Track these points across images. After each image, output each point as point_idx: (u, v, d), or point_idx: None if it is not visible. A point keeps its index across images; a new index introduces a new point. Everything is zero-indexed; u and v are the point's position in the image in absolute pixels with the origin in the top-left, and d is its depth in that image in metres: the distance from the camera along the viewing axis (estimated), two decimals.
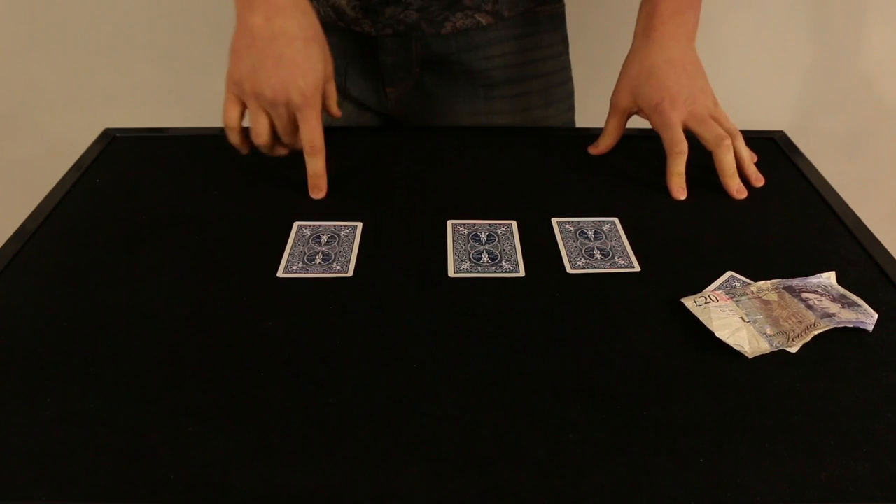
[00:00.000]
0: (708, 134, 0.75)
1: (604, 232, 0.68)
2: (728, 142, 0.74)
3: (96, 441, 0.48)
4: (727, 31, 1.38)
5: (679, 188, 0.75)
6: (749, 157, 0.77)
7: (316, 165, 0.72)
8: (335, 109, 0.76)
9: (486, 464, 0.46)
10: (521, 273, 0.63)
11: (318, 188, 0.73)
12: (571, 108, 0.96)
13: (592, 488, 0.45)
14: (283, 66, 0.67)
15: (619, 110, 0.80)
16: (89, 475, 0.45)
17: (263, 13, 0.67)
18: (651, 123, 0.77)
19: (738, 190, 0.74)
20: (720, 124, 0.76)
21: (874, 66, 1.42)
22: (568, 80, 0.94)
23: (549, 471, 0.46)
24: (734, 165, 0.75)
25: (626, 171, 0.79)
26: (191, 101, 1.46)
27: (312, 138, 0.70)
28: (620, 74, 0.80)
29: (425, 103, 0.88)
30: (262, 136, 0.71)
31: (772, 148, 0.84)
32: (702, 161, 0.76)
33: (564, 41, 0.92)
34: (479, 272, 0.63)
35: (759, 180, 0.76)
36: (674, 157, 0.75)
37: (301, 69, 0.67)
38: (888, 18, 1.36)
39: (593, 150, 0.82)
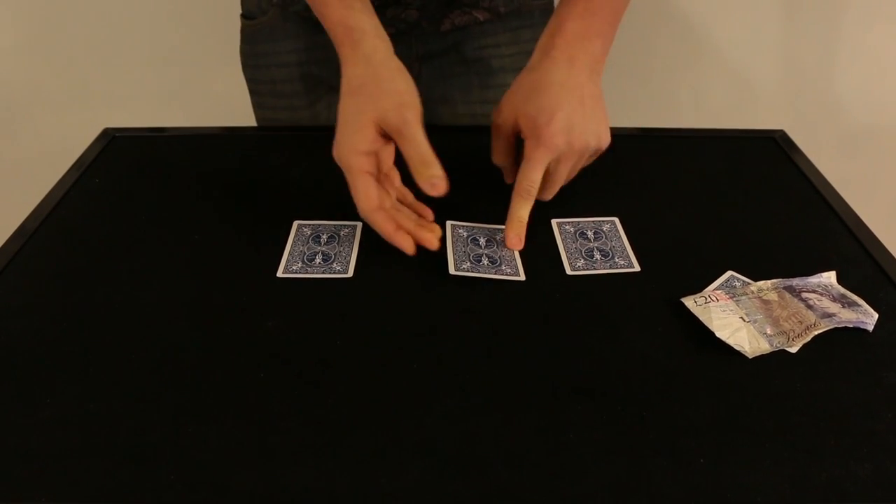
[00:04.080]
0: (541, 189, 0.67)
1: (604, 232, 0.68)
2: (531, 195, 0.66)
3: (96, 441, 0.48)
4: (727, 30, 1.38)
5: (516, 236, 0.65)
6: (519, 220, 0.66)
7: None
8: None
9: (486, 464, 0.46)
10: (522, 277, 0.63)
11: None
12: None
13: (592, 489, 0.45)
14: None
15: (500, 131, 0.70)
16: (89, 476, 0.45)
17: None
18: (524, 151, 0.67)
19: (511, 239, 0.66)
20: (562, 171, 0.67)
21: (874, 66, 1.42)
22: None
23: (548, 471, 0.46)
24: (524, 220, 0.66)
25: (626, 171, 0.78)
26: (191, 101, 1.46)
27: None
28: (506, 95, 0.70)
29: (422, 96, 0.89)
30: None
31: (772, 148, 0.84)
32: (701, 161, 0.76)
33: None
34: (479, 273, 0.63)
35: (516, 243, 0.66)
36: (518, 199, 0.66)
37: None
38: (888, 18, 1.36)
39: (508, 179, 0.73)
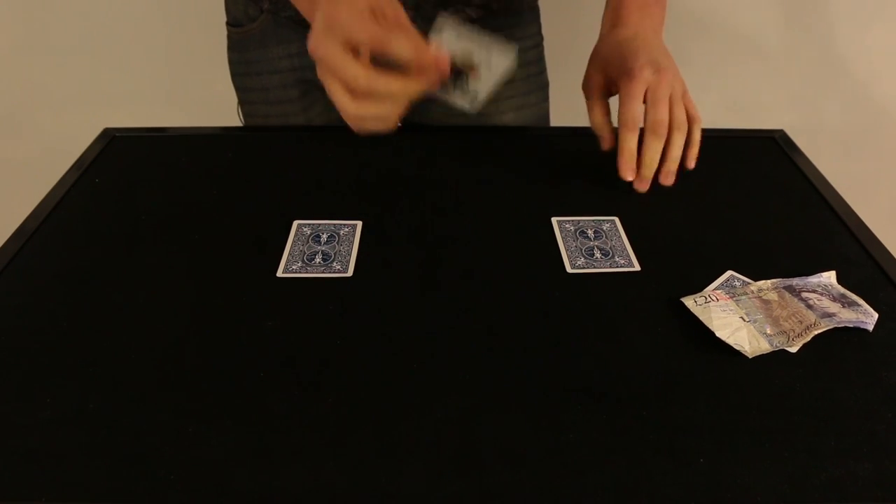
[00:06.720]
0: (650, 115, 0.72)
1: (604, 231, 0.68)
2: (662, 130, 0.71)
3: (96, 441, 0.48)
4: (728, 30, 1.38)
5: (628, 167, 0.72)
6: (676, 155, 0.72)
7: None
8: None
9: (486, 464, 0.46)
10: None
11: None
12: (546, 99, 0.99)
13: (592, 489, 0.45)
14: None
15: (592, 92, 0.78)
16: (89, 476, 0.45)
17: None
18: (619, 92, 0.73)
19: (639, 181, 0.72)
20: (677, 110, 0.72)
21: (874, 66, 1.42)
22: (543, 70, 0.97)
23: (548, 471, 0.46)
24: (654, 157, 0.71)
25: None
26: (191, 101, 1.46)
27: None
28: (588, 62, 0.80)
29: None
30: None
31: (772, 148, 0.84)
32: (701, 161, 0.76)
33: (540, 34, 0.96)
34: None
35: (665, 178, 0.73)
36: (624, 131, 0.71)
37: None
38: (888, 18, 1.36)
39: (605, 145, 0.79)
